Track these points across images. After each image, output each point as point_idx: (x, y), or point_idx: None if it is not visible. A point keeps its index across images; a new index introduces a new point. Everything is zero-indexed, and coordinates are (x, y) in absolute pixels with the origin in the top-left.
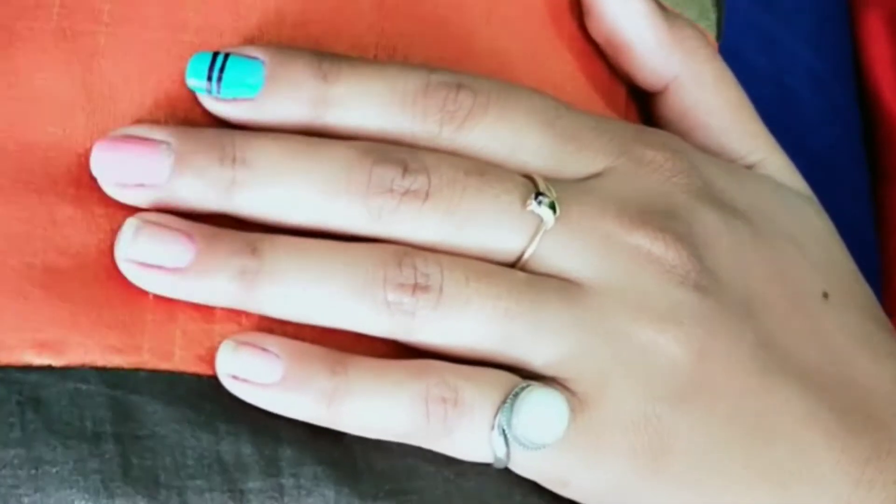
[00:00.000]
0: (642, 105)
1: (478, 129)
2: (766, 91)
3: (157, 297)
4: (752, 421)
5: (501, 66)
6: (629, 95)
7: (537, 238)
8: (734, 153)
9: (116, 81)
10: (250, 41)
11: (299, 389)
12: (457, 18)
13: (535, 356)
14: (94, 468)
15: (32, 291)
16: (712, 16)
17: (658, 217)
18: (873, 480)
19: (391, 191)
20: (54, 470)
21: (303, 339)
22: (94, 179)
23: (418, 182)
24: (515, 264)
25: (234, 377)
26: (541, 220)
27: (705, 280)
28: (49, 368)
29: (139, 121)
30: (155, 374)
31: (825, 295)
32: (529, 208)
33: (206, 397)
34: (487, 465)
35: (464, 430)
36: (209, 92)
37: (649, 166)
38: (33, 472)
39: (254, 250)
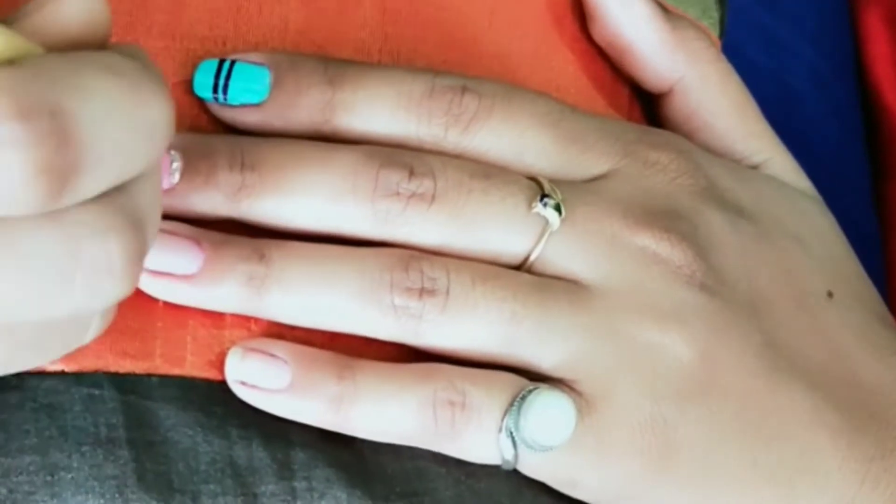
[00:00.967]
0: (647, 106)
1: (483, 132)
2: (769, 90)
3: (168, 304)
4: (757, 420)
5: (505, 69)
6: (633, 96)
7: (543, 240)
8: (739, 153)
9: None
10: (255, 48)
11: (307, 395)
12: (459, 22)
13: (542, 358)
14: (108, 474)
15: None
16: (715, 14)
17: (663, 218)
18: (878, 478)
19: (397, 194)
20: (69, 476)
21: (312, 344)
22: None
23: (424, 185)
24: (521, 266)
25: (243, 383)
26: (546, 221)
27: (711, 280)
28: (62, 374)
29: None
30: (167, 379)
31: (830, 294)
32: (535, 210)
33: (217, 402)
34: (497, 467)
35: (472, 432)
36: (216, 99)
37: (654, 167)
38: (49, 478)
39: (262, 256)
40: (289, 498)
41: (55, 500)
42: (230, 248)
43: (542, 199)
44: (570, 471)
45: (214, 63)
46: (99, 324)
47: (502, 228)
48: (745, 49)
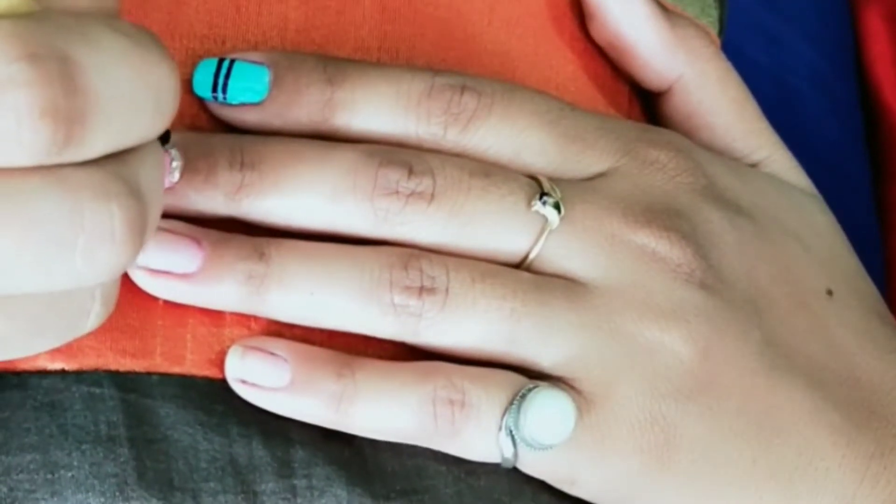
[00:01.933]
0: (647, 104)
1: (482, 131)
2: (768, 89)
3: (168, 302)
4: (757, 418)
5: (504, 67)
6: (633, 94)
7: (542, 238)
8: (739, 151)
9: None
10: (254, 47)
11: (307, 393)
12: (459, 20)
13: (542, 356)
14: (109, 472)
15: None
16: (714, 12)
17: (663, 216)
18: (878, 476)
19: (397, 192)
20: (70, 474)
21: (311, 342)
22: None
23: (423, 184)
24: (521, 265)
25: (243, 381)
26: (545, 220)
27: (710, 278)
28: (62, 373)
29: None
30: (167, 377)
31: (829, 292)
32: (534, 209)
33: (217, 400)
34: (497, 464)
35: (471, 431)
36: (215, 98)
37: (653, 165)
38: (49, 476)
39: (261, 255)
40: (289, 496)
41: (55, 499)
42: (230, 247)
43: (541, 198)
44: (570, 469)
45: (214, 62)
46: (99, 311)
47: (501, 227)
48: (745, 48)
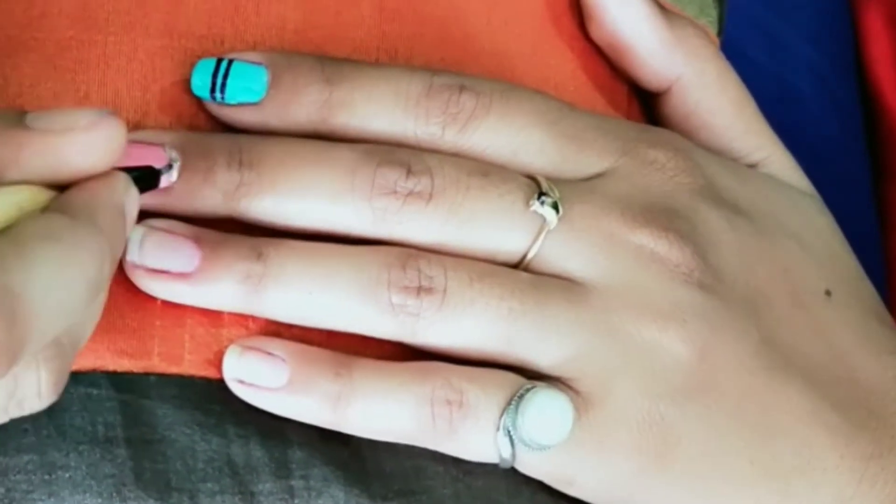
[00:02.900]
0: (646, 104)
1: (480, 131)
2: (768, 88)
3: (166, 303)
4: (755, 418)
5: (502, 67)
6: (631, 94)
7: (540, 238)
8: (738, 151)
9: (121, 89)
10: (252, 48)
11: (305, 393)
12: (457, 20)
13: (540, 356)
14: (106, 472)
15: None
16: (713, 12)
17: (661, 216)
18: (876, 477)
19: (395, 192)
20: (67, 475)
21: (309, 342)
22: None
23: (422, 183)
24: (519, 265)
25: (241, 381)
26: (544, 220)
27: (709, 278)
28: None
29: (145, 127)
30: (165, 378)
31: (828, 292)
32: (532, 208)
33: (215, 400)
34: (495, 465)
35: (469, 431)
36: (214, 98)
37: (652, 165)
38: (47, 477)
39: (259, 255)
40: (286, 496)
41: (53, 499)
42: (228, 247)
43: (539, 198)
44: (568, 469)
45: (212, 62)
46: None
47: (500, 226)
48: (745, 48)
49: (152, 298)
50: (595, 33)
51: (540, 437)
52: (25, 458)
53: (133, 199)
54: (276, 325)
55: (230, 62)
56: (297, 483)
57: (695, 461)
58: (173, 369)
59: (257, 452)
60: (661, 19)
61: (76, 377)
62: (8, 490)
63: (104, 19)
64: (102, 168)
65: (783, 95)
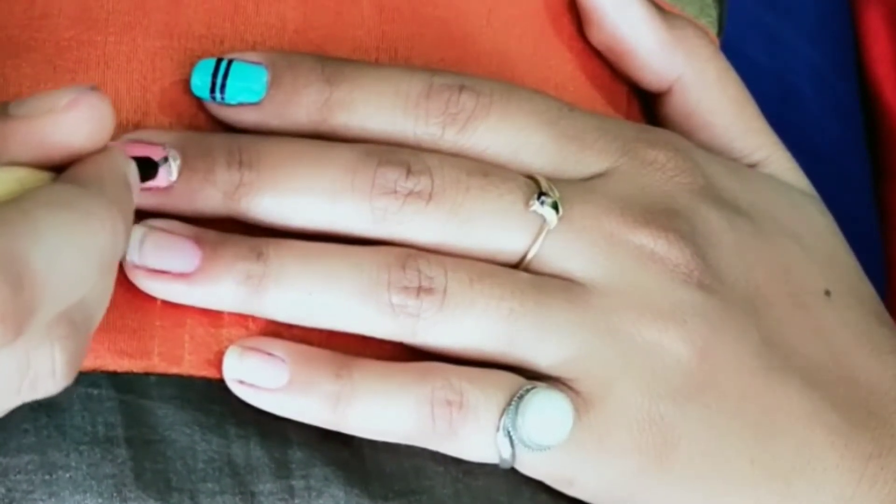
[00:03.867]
0: (646, 104)
1: (480, 131)
2: (769, 88)
3: (166, 303)
4: (755, 418)
5: (502, 67)
6: (631, 94)
7: (540, 238)
8: (738, 151)
9: (121, 89)
10: (252, 48)
11: (305, 393)
12: (457, 20)
13: (540, 357)
14: (107, 473)
15: None
16: (713, 12)
17: (661, 216)
18: (875, 477)
19: (395, 192)
20: (68, 475)
21: (310, 343)
22: None
23: (422, 183)
24: (519, 265)
25: (242, 382)
26: (544, 220)
27: (709, 278)
28: None
29: (145, 127)
30: (165, 378)
31: (827, 293)
32: (532, 208)
33: (215, 401)
34: (495, 465)
35: (469, 432)
36: (213, 98)
37: (652, 165)
38: (47, 477)
39: (259, 255)
40: (286, 496)
41: (53, 499)
42: (228, 247)
43: (539, 198)
44: (568, 469)
45: (212, 62)
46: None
47: (499, 226)
48: (745, 48)
49: (152, 299)
50: (594, 37)
51: (540, 438)
52: (26, 458)
53: (134, 173)
54: (276, 326)
55: (230, 62)
56: (297, 483)
57: (695, 461)
58: (173, 369)
59: (257, 452)
60: (659, 20)
61: (76, 377)
62: (8, 490)
63: (104, 20)
64: (96, 144)
65: (783, 95)
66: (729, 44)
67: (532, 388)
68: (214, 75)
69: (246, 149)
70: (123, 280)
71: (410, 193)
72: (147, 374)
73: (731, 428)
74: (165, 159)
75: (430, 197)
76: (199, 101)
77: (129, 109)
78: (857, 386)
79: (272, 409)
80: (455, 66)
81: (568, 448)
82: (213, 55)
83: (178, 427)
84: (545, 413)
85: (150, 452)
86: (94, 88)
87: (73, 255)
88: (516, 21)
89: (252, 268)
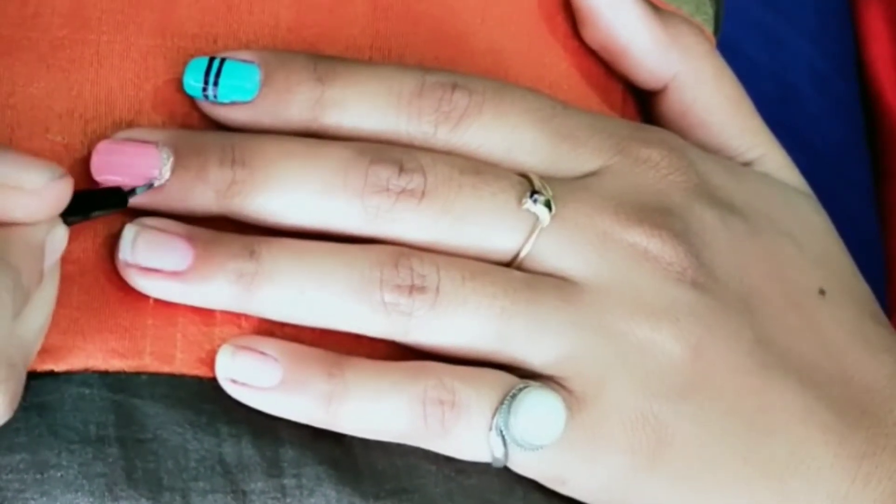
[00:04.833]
0: (641, 102)
1: (473, 129)
2: (768, 88)
3: (158, 301)
4: (749, 417)
5: (496, 65)
6: (626, 92)
7: (533, 236)
8: (734, 149)
9: (114, 88)
10: (245, 46)
11: (297, 392)
12: (451, 18)
13: (533, 355)
14: (98, 472)
15: None
16: (709, 10)
17: (655, 214)
18: (869, 475)
19: (387, 190)
20: (59, 474)
21: (302, 341)
22: (94, 184)
23: (414, 181)
24: (512, 263)
25: (234, 381)
26: (536, 218)
27: (702, 277)
28: (51, 374)
29: (138, 125)
30: (156, 377)
31: (822, 291)
32: (525, 206)
33: (207, 399)
34: (488, 464)
35: (461, 431)
36: (206, 96)
37: (646, 164)
38: (38, 476)
39: (251, 253)
40: (278, 495)
41: (45, 498)
42: (220, 245)
43: (532, 196)
44: (561, 468)
45: (204, 61)
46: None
47: (492, 224)
48: (744, 47)
49: (144, 297)
50: (588, 37)
51: (532, 437)
52: (17, 457)
53: (58, 237)
54: (268, 324)
55: (222, 61)
56: (288, 482)
57: (689, 460)
58: (165, 368)
59: (249, 451)
60: (654, 18)
61: (68, 377)
62: (0, 489)
63: (97, 18)
64: (36, 222)
65: (783, 95)
66: (728, 43)
67: (525, 388)
68: (207, 74)
69: (239, 147)
70: (115, 279)
71: (403, 191)
72: (138, 374)
73: (725, 427)
74: (133, 190)
75: (423, 195)
76: (192, 100)
77: (121, 108)
78: (852, 385)
79: (264, 407)
80: (449, 65)
81: (561, 447)
82: (206, 54)
83: (169, 426)
84: (538, 412)
85: (142, 451)
86: (64, 175)
87: None
88: (510, 19)
89: (244, 266)
